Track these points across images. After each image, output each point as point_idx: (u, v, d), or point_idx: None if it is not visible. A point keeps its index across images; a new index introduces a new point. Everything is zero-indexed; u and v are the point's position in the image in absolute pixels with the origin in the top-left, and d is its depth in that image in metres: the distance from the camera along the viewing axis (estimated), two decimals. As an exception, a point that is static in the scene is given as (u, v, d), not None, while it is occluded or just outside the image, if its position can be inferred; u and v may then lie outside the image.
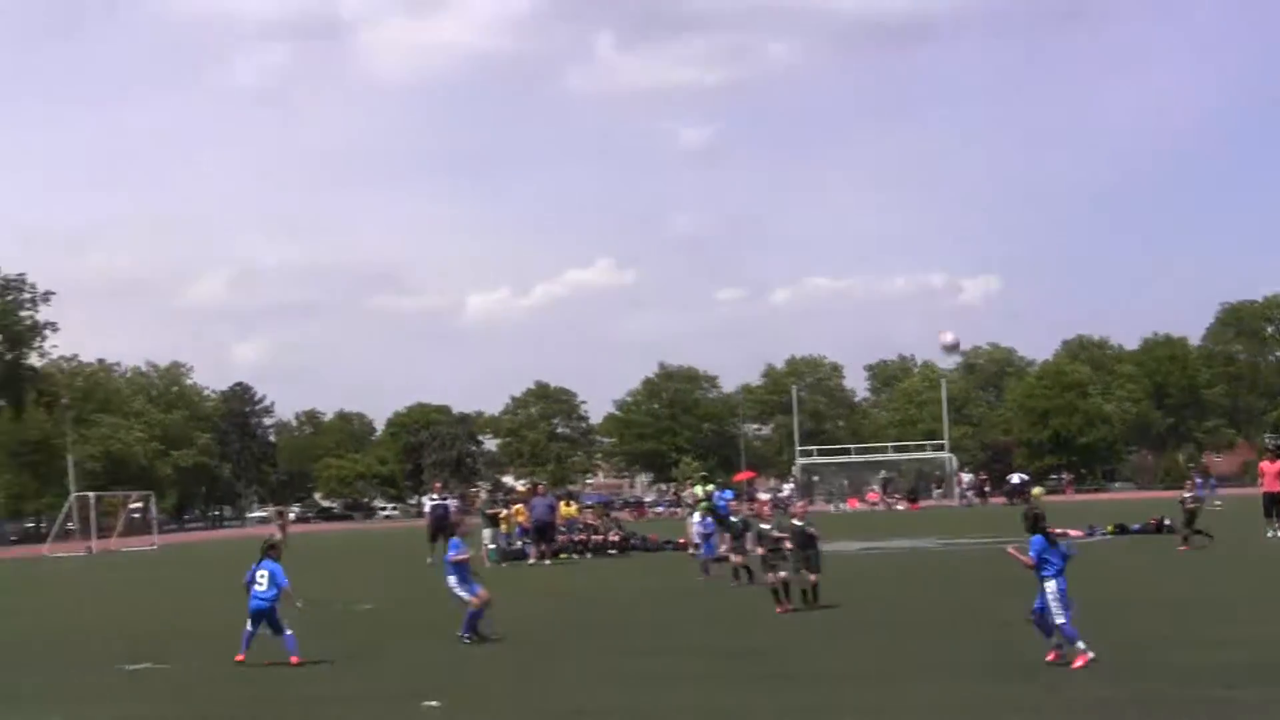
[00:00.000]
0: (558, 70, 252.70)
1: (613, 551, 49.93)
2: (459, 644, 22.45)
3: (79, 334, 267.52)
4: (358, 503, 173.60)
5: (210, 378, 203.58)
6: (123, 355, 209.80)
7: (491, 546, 46.30)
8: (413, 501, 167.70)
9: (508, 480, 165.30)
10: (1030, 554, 18.16)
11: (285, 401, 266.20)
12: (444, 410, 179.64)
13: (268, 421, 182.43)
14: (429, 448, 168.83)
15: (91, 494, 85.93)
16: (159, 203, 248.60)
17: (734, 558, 33.09)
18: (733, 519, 35.72)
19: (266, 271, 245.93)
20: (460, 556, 23.15)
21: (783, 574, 25.94)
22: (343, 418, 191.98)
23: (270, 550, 21.63)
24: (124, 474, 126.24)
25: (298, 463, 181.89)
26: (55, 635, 27.73)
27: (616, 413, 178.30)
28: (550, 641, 23.00)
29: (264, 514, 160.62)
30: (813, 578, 26.13)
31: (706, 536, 37.05)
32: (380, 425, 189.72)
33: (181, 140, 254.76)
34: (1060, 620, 17.82)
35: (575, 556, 48.27)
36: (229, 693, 18.84)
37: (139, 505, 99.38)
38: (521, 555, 46.83)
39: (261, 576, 21.02)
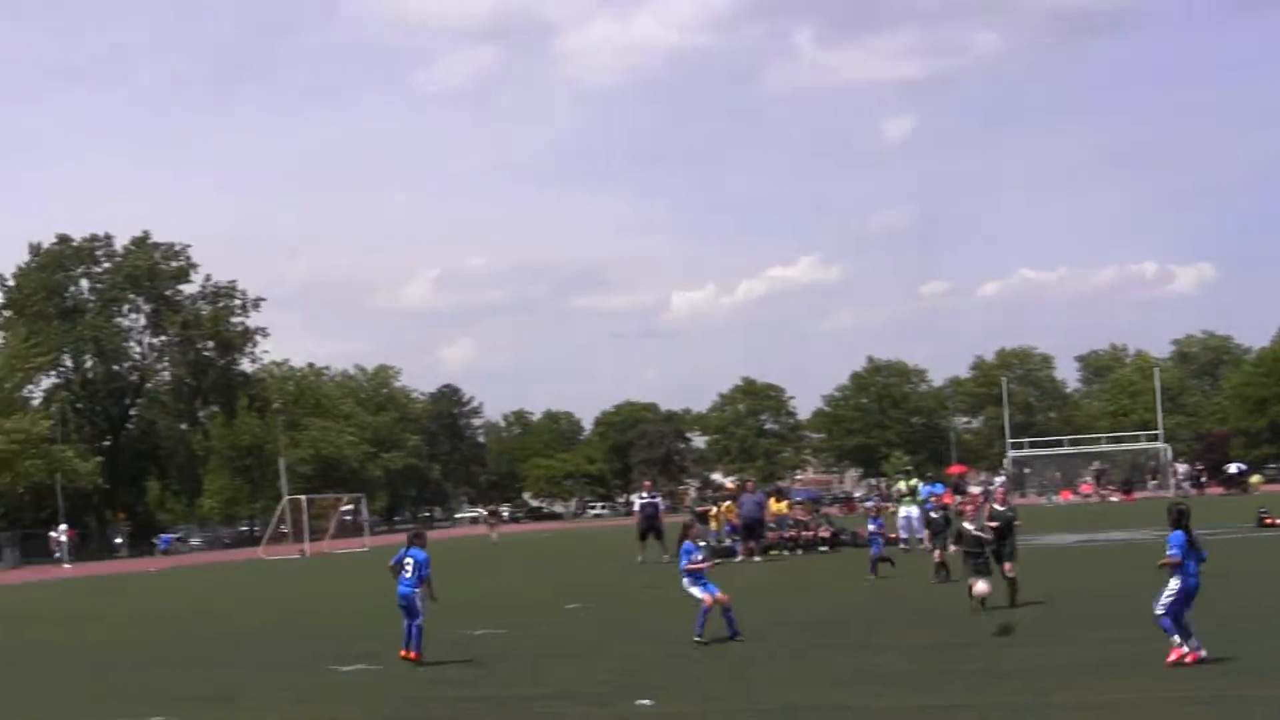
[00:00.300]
0: (759, 67, 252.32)
1: (823, 548, 49.13)
2: (673, 642, 21.94)
3: (289, 339, 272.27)
4: (583, 502, 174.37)
5: (418, 380, 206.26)
6: (332, 359, 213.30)
7: (701, 543, 45.49)
8: (621, 500, 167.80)
9: (716, 477, 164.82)
10: (1174, 551, 17.64)
11: (492, 402, 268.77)
12: (651, 408, 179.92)
13: (476, 422, 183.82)
14: (637, 446, 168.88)
15: (303, 497, 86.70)
16: (365, 206, 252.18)
17: (936, 554, 32.13)
18: (933, 514, 34.62)
19: (472, 273, 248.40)
20: (695, 566, 22.47)
21: (980, 586, 24.73)
22: (551, 417, 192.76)
23: (416, 539, 21.94)
24: (335, 477, 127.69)
25: (506, 463, 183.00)
26: (270, 637, 27.60)
27: (825, 408, 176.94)
28: (760, 639, 22.33)
29: (474, 514, 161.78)
30: (1008, 566, 25.03)
31: (874, 535, 36.06)
32: (588, 424, 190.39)
33: (387, 143, 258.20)
34: (1160, 613, 17.45)
35: (785, 553, 47.51)
36: (439, 693, 18.60)
37: (350, 507, 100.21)
38: (731, 553, 46.10)
39: (408, 563, 21.21)
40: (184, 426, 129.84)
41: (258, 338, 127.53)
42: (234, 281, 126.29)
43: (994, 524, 25.33)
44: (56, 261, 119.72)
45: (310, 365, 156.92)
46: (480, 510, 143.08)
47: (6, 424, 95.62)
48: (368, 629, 28.15)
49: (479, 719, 16.80)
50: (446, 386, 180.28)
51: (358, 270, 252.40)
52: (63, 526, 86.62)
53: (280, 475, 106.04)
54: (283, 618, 33.53)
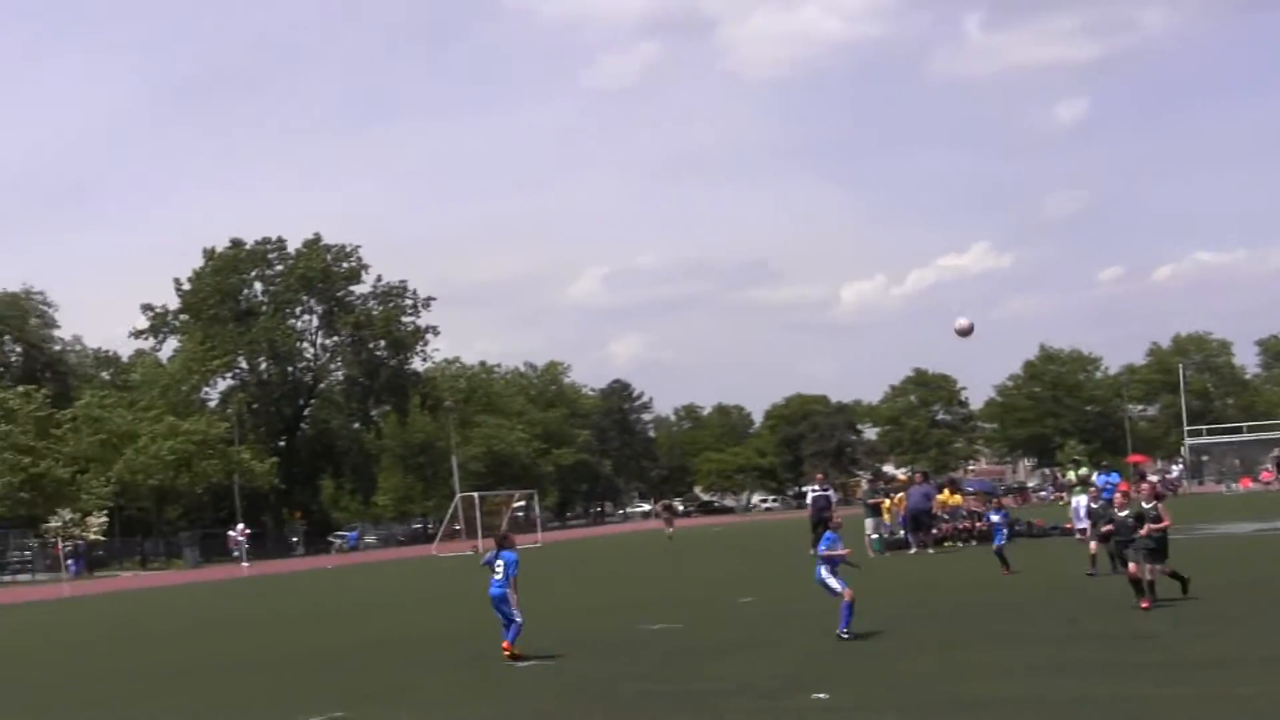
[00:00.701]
0: (925, 54, 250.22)
1: (999, 539, 48.22)
2: (839, 639, 21.35)
3: (459, 337, 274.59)
4: (785, 492, 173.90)
5: (588, 375, 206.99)
6: (502, 356, 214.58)
7: (874, 536, 45.19)
8: (792, 493, 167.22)
9: (888, 469, 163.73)
10: None
11: (662, 396, 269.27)
12: (822, 400, 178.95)
13: (646, 417, 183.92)
14: (808, 438, 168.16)
15: (476, 494, 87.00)
16: (534, 204, 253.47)
17: (1091, 545, 31.25)
18: (1093, 505, 33.65)
19: (641, 268, 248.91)
20: (836, 552, 22.04)
21: (1132, 567, 23.99)
22: (721, 411, 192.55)
23: (505, 541, 22.20)
24: (506, 473, 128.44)
25: (677, 457, 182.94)
26: (443, 633, 27.55)
27: (997, 398, 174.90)
28: (934, 631, 21.99)
29: (645, 509, 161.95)
30: (1157, 569, 24.11)
31: (998, 526, 34.92)
32: (758, 417, 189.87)
33: (553, 141, 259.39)
34: None
35: (959, 544, 46.79)
36: (616, 688, 18.32)
37: (522, 504, 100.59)
38: (904, 544, 45.56)
39: (499, 565, 21.51)
40: (357, 425, 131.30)
41: (428, 336, 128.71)
42: (404, 281, 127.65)
43: (1134, 524, 24.54)
44: (230, 265, 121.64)
45: (481, 363, 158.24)
46: (653, 505, 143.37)
47: (184, 425, 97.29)
48: (542, 625, 27.98)
49: (656, 713, 16.50)
50: (616, 382, 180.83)
51: (527, 268, 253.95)
52: (240, 525, 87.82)
53: (453, 472, 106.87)
54: (456, 614, 33.50)
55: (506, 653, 21.10)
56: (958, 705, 15.37)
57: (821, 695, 16.34)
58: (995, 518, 35.11)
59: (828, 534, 22.47)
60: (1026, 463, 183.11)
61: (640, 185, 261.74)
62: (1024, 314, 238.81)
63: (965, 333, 26.31)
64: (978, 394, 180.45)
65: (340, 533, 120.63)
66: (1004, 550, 33.34)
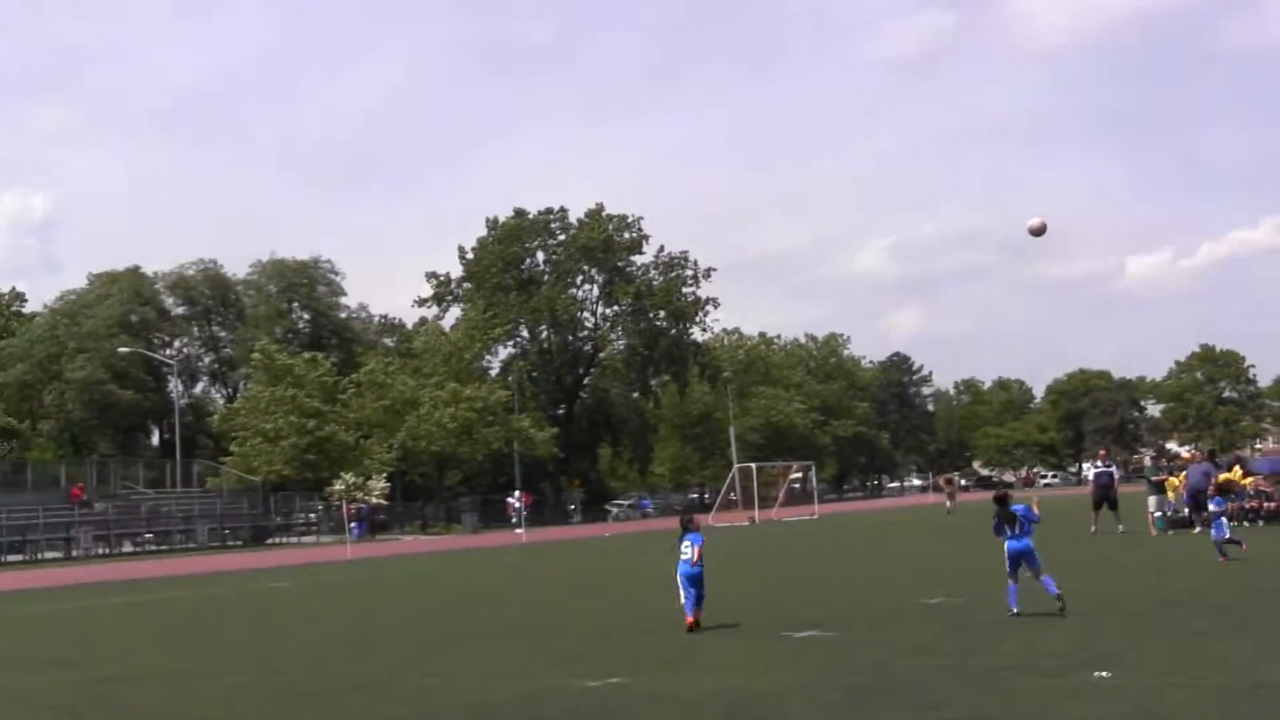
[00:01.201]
0: (1221, 21, 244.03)
1: (1286, 520, 46.90)
2: (1126, 613, 21.05)
3: (740, 308, 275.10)
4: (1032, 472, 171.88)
5: (868, 348, 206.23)
6: (783, 327, 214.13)
7: (1157, 514, 44.42)
8: (1073, 469, 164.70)
9: (1171, 446, 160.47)
10: None
11: (942, 370, 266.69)
12: (1104, 376, 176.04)
13: (925, 391, 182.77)
14: (1090, 415, 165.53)
15: (753, 465, 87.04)
16: (817, 174, 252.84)
17: None
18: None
19: (924, 240, 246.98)
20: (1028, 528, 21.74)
21: None
22: (1001, 386, 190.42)
23: (689, 524, 22.63)
24: (783, 444, 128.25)
25: (955, 432, 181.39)
26: (720, 603, 27.44)
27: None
28: (1217, 612, 21.17)
29: (920, 483, 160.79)
30: None
31: (1217, 516, 33.27)
32: (1039, 392, 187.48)
33: (836, 111, 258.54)
34: None
35: (1245, 524, 45.57)
36: (896, 661, 17.99)
37: (799, 475, 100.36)
38: (1188, 523, 44.54)
39: (686, 548, 21.97)
40: (636, 395, 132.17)
41: (709, 307, 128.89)
42: (685, 252, 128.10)
43: None
44: (513, 234, 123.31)
45: (760, 334, 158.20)
46: (934, 478, 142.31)
47: (466, 392, 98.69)
48: (819, 596, 27.81)
49: (931, 688, 16.19)
50: (896, 355, 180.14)
51: (810, 238, 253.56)
52: (518, 492, 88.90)
53: (730, 443, 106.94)
54: (732, 584, 33.43)
55: (689, 625, 21.55)
56: (1249, 689, 14.79)
57: (1104, 673, 15.91)
58: (1213, 506, 33.41)
59: (1023, 507, 21.92)
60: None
61: (923, 156, 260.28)
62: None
63: (1038, 232, 25.52)
64: (1267, 372, 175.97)
65: (618, 500, 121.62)
66: (1223, 542, 31.86)
